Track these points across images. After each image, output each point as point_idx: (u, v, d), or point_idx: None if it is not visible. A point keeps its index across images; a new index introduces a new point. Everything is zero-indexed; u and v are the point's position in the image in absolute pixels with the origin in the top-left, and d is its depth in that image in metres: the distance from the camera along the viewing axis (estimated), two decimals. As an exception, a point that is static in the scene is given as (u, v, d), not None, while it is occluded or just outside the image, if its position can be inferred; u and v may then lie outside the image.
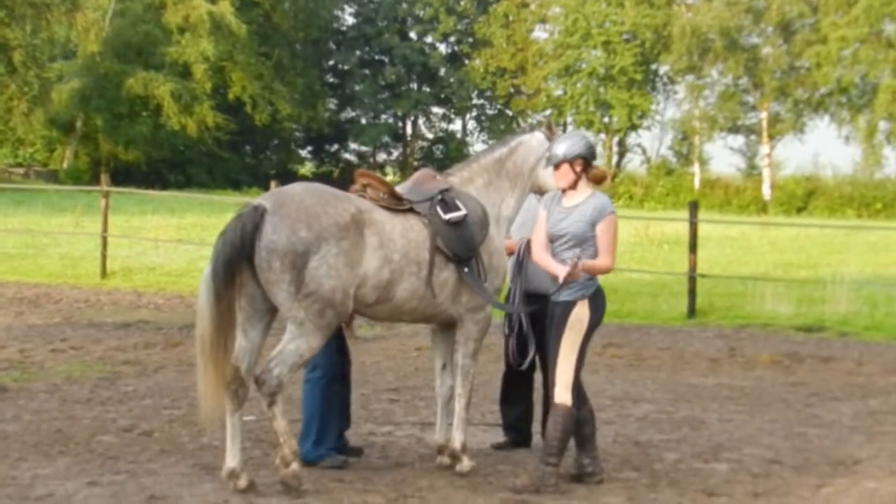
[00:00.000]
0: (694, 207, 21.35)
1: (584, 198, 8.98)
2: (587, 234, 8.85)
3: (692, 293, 20.27)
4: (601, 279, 9.13)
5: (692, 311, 20.07)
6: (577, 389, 9.14)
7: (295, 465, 8.66)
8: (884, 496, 8.95)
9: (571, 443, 9.17)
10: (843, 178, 67.81)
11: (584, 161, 9.02)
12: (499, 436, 10.53)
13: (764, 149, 71.16)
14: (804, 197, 66.04)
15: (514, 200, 9.73)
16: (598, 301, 9.00)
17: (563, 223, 8.91)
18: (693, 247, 20.45)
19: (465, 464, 9.33)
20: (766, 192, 68.00)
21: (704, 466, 9.84)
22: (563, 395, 8.88)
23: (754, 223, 44.16)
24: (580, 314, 8.89)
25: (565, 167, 9.03)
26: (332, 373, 9.62)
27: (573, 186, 9.03)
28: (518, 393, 10.41)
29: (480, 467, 9.45)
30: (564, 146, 9.05)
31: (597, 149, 9.02)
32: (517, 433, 10.40)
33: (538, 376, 10.39)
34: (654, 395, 13.25)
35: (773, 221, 50.49)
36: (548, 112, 76.87)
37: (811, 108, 70.49)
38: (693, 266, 20.42)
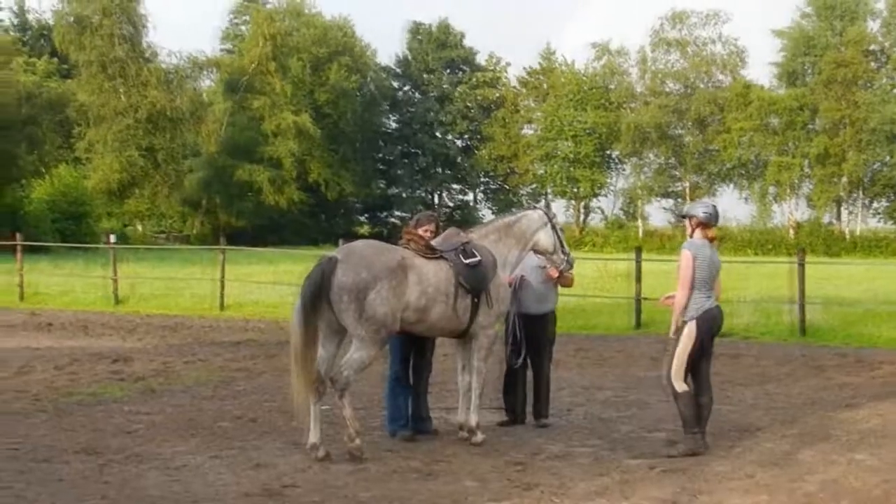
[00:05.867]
0: (638, 251, 21.29)
1: None
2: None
3: (638, 311, 20.19)
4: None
5: (638, 324, 20.00)
6: (705, 382, 9.11)
7: (357, 441, 8.65)
8: (777, 453, 8.89)
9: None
10: (744, 227, 67.49)
11: (698, 220, 9.13)
12: (502, 416, 10.46)
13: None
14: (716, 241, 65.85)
15: (517, 253, 9.73)
16: (703, 321, 8.96)
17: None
18: (638, 278, 20.36)
19: (479, 437, 9.30)
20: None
21: (649, 435, 9.79)
22: (679, 385, 8.91)
23: (682, 261, 43.91)
24: (690, 330, 8.92)
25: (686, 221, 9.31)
26: (397, 376, 9.73)
27: (690, 237, 9.23)
28: (515, 385, 10.38)
29: (489, 439, 9.41)
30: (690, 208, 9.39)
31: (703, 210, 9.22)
32: (515, 415, 10.35)
33: (529, 373, 10.39)
34: (613, 384, 13.17)
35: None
36: (534, 185, 77.04)
37: (720, 178, 70.45)
38: (638, 292, 20.33)
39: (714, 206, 9.32)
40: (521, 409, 10.39)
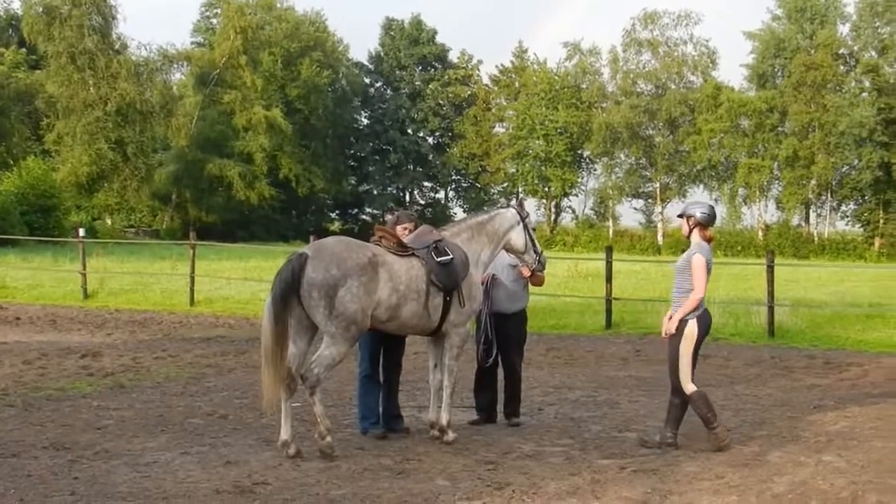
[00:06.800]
0: (609, 251, 21.36)
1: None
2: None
3: (609, 311, 20.26)
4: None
5: (609, 324, 20.06)
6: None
7: (329, 438, 8.64)
8: (746, 454, 8.95)
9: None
10: (713, 229, 67.55)
11: (696, 220, 9.35)
12: (473, 415, 10.47)
13: (657, 209, 71.41)
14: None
15: (490, 252, 9.76)
16: (702, 319, 9.14)
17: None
18: (609, 278, 20.45)
19: (450, 436, 9.30)
20: (660, 238, 68.20)
21: (619, 435, 9.82)
22: (688, 386, 9.08)
23: (651, 261, 44.16)
24: (691, 329, 9.04)
25: (682, 220, 9.47)
26: (367, 374, 9.72)
27: (687, 237, 9.43)
28: (486, 384, 10.40)
29: (461, 438, 9.42)
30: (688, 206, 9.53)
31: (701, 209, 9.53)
32: (486, 413, 10.37)
33: (500, 372, 10.40)
34: (583, 384, 13.21)
35: (665, 260, 50.51)
36: (505, 184, 77.11)
37: (690, 179, 70.77)
38: (609, 292, 20.41)
39: (712, 207, 9.49)
40: (492, 407, 10.41)
